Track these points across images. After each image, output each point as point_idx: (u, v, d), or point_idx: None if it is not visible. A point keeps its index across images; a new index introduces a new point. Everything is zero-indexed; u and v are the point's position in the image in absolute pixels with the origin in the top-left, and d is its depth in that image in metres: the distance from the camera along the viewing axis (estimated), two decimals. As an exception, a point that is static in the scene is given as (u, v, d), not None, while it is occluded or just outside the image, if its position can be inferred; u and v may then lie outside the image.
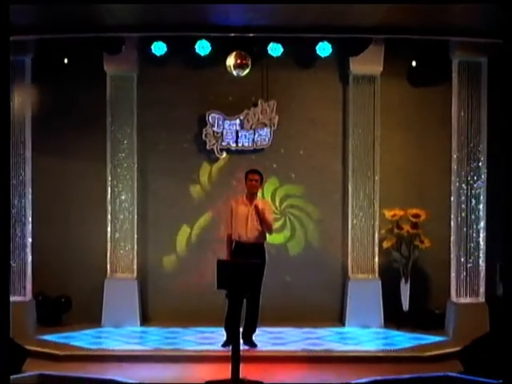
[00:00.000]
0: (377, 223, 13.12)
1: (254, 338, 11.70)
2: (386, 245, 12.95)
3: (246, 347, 11.32)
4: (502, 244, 12.45)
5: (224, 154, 13.35)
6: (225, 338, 11.63)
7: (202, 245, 13.37)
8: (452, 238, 12.58)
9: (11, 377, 10.12)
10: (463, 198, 12.53)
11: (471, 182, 12.52)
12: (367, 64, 12.89)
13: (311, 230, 13.52)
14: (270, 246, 13.14)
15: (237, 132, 13.29)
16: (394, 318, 12.92)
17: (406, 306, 12.92)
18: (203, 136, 13.29)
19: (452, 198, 12.61)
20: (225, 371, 10.14)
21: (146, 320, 13.20)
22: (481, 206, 12.52)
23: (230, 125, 13.28)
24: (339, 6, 10.31)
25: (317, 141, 13.40)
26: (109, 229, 13.05)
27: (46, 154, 13.02)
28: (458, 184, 12.54)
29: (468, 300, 12.46)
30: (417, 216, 12.83)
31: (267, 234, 11.71)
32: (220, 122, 13.25)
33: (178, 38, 12.33)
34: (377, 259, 13.13)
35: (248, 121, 13.28)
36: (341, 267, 13.38)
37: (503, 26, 8.65)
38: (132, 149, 13.16)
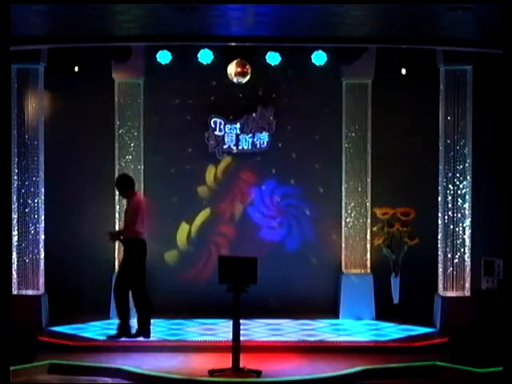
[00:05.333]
0: (368, 221, 13.14)
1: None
2: (377, 241, 12.97)
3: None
4: (485, 241, 12.60)
5: (225, 157, 13.37)
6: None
7: (202, 240, 13.41)
8: (439, 235, 12.59)
9: (24, 366, 10.21)
10: (450, 197, 12.54)
11: (457, 182, 12.53)
12: (360, 72, 12.92)
13: (307, 228, 13.53)
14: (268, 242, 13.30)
15: (237, 136, 13.30)
16: (385, 310, 12.93)
17: (396, 299, 12.93)
18: (205, 139, 13.31)
19: (439, 198, 12.63)
20: (226, 360, 10.19)
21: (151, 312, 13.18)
22: (466, 205, 12.52)
23: (230, 129, 13.29)
24: (334, 18, 10.30)
25: (312, 144, 13.40)
26: (117, 227, 13.06)
27: (57, 156, 13.01)
28: (445, 184, 12.56)
29: (454, 293, 12.46)
30: (406, 214, 12.83)
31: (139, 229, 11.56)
32: (221, 127, 13.26)
33: (181, 47, 12.33)
34: (369, 255, 13.15)
35: (248, 125, 13.29)
36: (335, 263, 13.39)
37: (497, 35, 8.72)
38: (138, 151, 13.18)
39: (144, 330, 11.35)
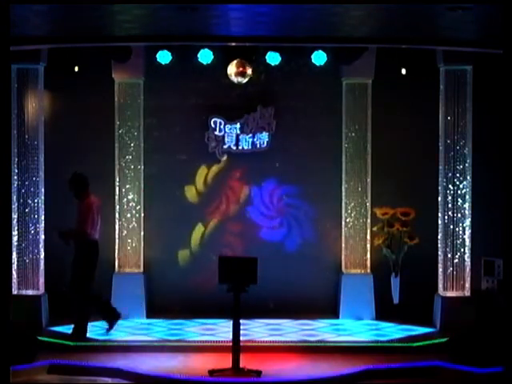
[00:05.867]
0: (368, 221, 13.14)
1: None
2: (377, 242, 12.96)
3: None
4: (485, 241, 12.60)
5: (225, 157, 13.37)
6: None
7: (208, 242, 13.42)
8: (439, 235, 12.59)
9: (24, 366, 10.21)
10: (450, 197, 12.54)
11: (457, 182, 12.53)
12: (360, 72, 12.91)
13: (307, 228, 13.53)
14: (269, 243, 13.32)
15: (237, 136, 13.30)
16: (385, 310, 12.93)
17: (396, 299, 12.93)
18: (205, 139, 13.30)
19: (439, 198, 12.63)
20: (226, 360, 10.19)
21: (151, 312, 13.19)
22: (466, 205, 12.52)
23: (230, 129, 13.28)
24: (334, 18, 10.31)
25: (312, 144, 13.39)
26: (117, 226, 13.07)
27: (57, 156, 12.99)
28: (445, 184, 12.56)
29: (454, 293, 12.46)
30: (406, 214, 12.83)
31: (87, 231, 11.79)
32: (221, 127, 13.26)
33: (181, 47, 12.34)
34: (369, 255, 13.14)
35: (248, 125, 13.28)
36: (335, 263, 13.38)
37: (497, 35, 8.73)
38: (138, 151, 13.17)
39: (111, 316, 11.57)
